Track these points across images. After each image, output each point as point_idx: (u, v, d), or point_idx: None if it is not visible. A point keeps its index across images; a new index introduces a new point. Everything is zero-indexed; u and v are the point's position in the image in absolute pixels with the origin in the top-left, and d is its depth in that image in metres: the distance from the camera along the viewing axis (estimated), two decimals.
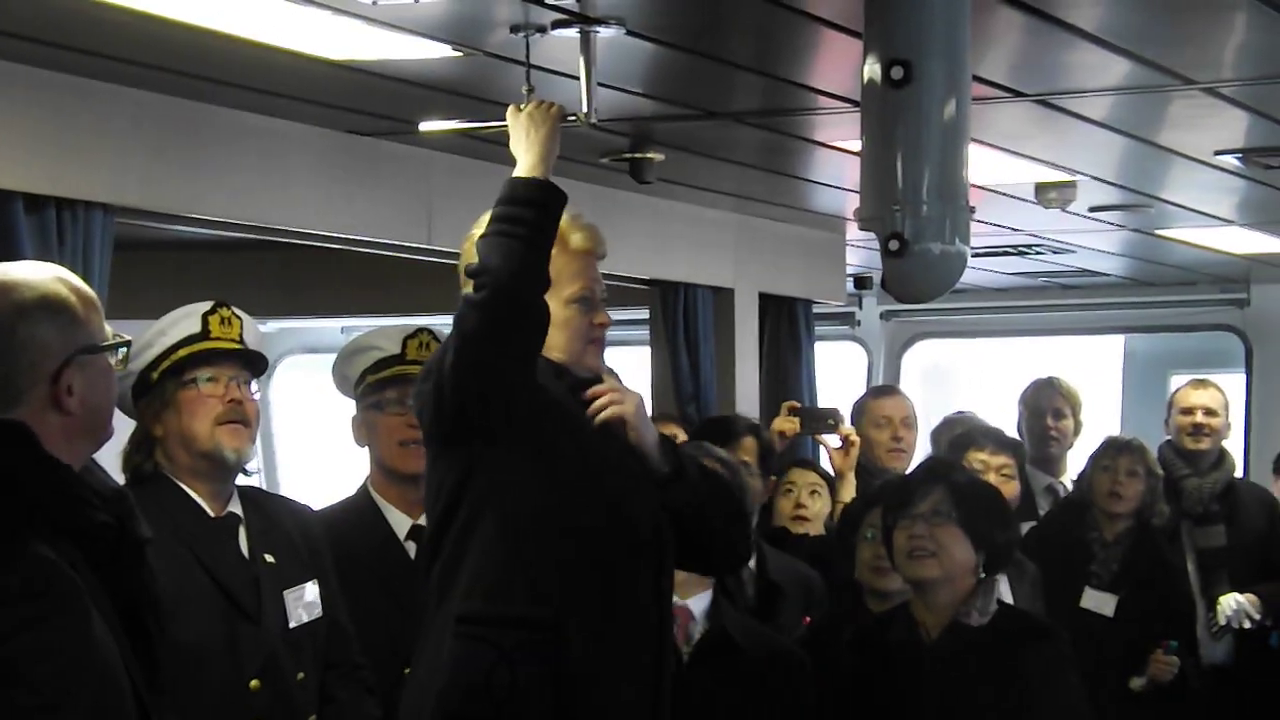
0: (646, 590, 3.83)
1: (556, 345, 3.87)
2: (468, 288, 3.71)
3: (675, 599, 4.19)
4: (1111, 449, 6.74)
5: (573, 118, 4.16)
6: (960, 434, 6.59)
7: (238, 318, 4.31)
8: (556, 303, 3.86)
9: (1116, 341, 11.22)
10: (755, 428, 6.09)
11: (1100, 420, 10.00)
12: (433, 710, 3.77)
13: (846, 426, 6.67)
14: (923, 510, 4.70)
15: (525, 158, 3.81)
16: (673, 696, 3.93)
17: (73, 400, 2.80)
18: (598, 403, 3.86)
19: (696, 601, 4.56)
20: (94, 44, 4.50)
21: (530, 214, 3.68)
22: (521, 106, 3.90)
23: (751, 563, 5.30)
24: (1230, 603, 7.08)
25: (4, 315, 2.77)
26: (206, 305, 4.28)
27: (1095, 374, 11.00)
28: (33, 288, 2.81)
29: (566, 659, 3.71)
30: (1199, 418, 7.25)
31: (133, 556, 2.84)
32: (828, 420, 6.68)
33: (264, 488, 9.96)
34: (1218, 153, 6.24)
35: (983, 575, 4.71)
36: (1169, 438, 7.32)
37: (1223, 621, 7.07)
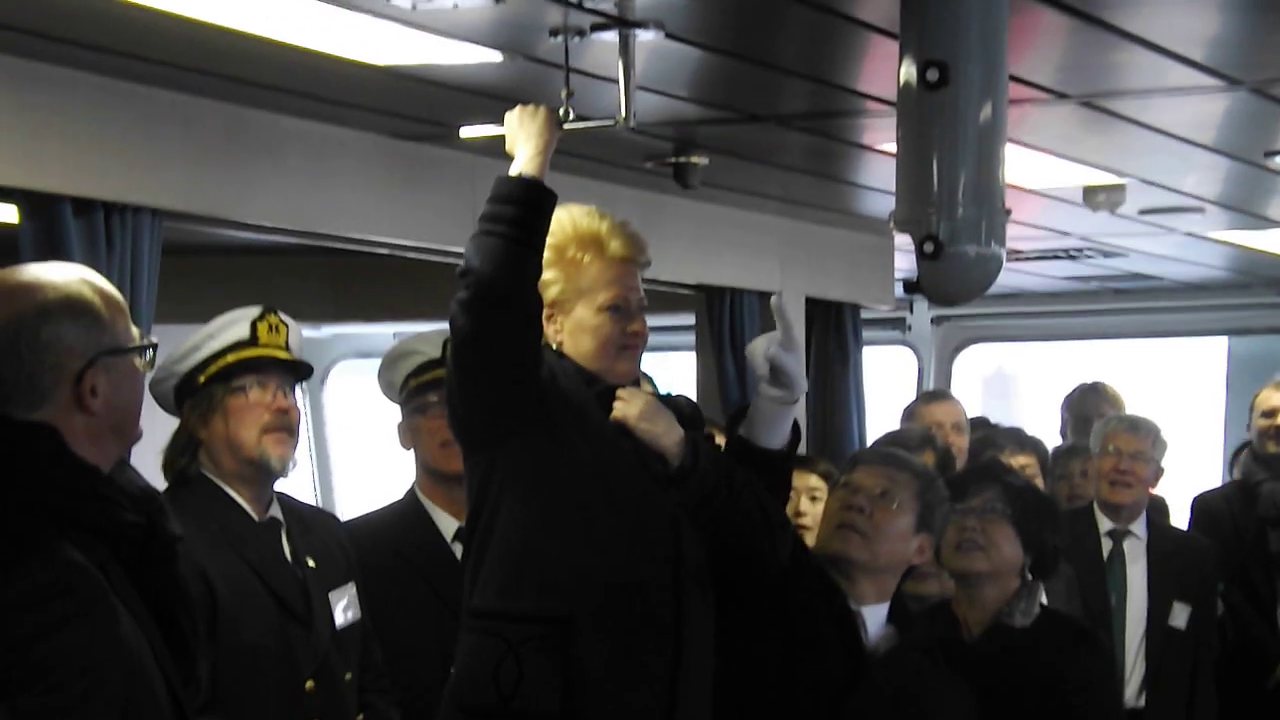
0: (661, 596, 3.80)
1: (586, 352, 3.88)
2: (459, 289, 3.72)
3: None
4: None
5: (610, 121, 4.17)
6: (979, 435, 6.57)
7: (284, 324, 4.34)
8: (588, 310, 3.87)
9: (1220, 344, 11.00)
10: (929, 439, 6.04)
11: (1204, 425, 9.95)
12: (446, 702, 3.81)
13: None
14: (974, 505, 4.66)
15: (519, 155, 3.80)
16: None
17: (97, 401, 2.80)
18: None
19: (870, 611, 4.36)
20: (142, 49, 4.54)
21: (510, 211, 3.67)
22: (534, 109, 3.89)
23: None
24: None
25: (28, 315, 2.77)
26: (255, 311, 4.31)
27: (1195, 377, 10.88)
28: (56, 288, 2.81)
29: (575, 656, 3.71)
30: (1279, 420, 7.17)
31: (162, 555, 2.85)
32: None
33: (319, 493, 10.10)
34: (1268, 154, 6.21)
35: (1029, 577, 4.67)
36: (1250, 440, 7.24)
37: None
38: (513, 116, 3.87)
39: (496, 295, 3.64)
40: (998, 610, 4.64)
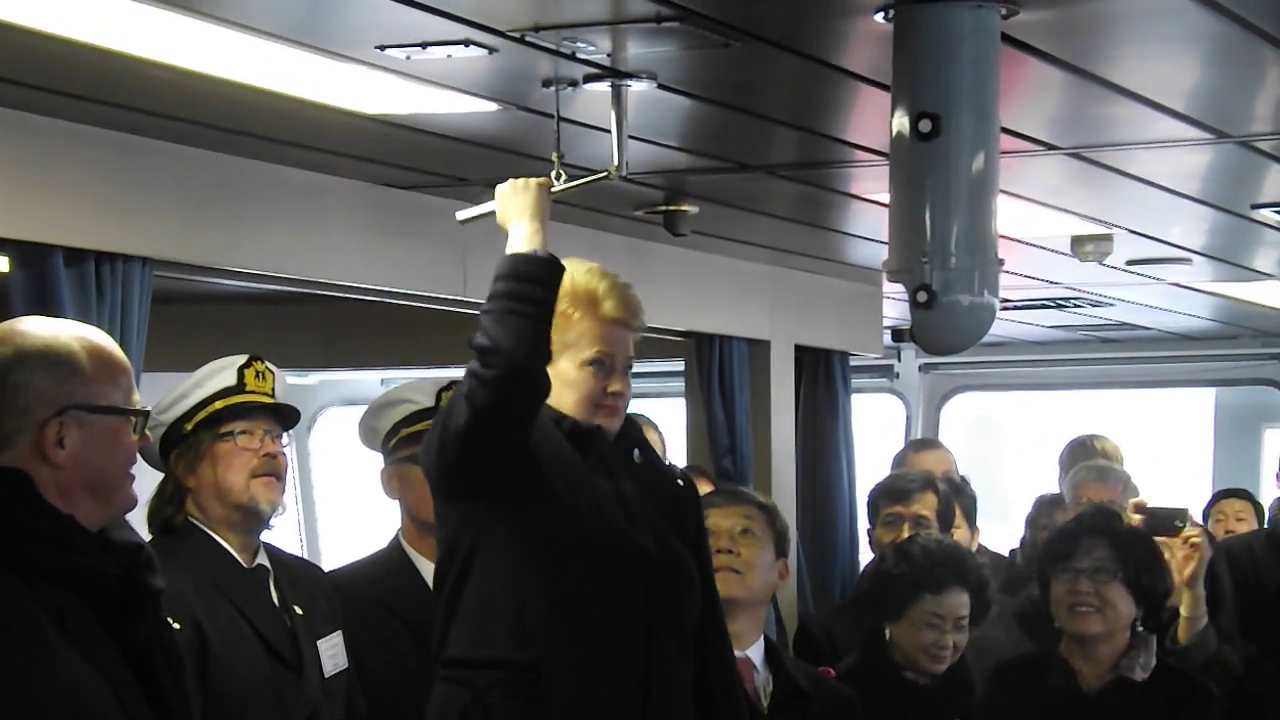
0: (632, 642, 3.80)
1: (565, 403, 3.89)
2: (473, 361, 3.70)
3: (736, 650, 4.19)
4: None
5: (603, 174, 4.18)
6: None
7: (271, 372, 4.39)
8: (571, 363, 3.88)
9: (1208, 395, 11.02)
10: (930, 482, 6.05)
11: (1192, 475, 9.94)
12: None
13: (1192, 528, 5.41)
14: (1085, 566, 4.74)
15: (519, 230, 3.81)
16: None
17: (63, 454, 2.79)
18: None
19: (754, 650, 4.54)
20: (133, 100, 4.54)
21: (537, 291, 3.68)
22: (525, 182, 3.89)
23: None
24: None
25: (3, 361, 2.79)
26: (241, 359, 4.35)
27: (1183, 427, 10.89)
28: (39, 338, 2.83)
29: (541, 702, 3.71)
30: None
31: (141, 608, 2.84)
32: (1174, 522, 5.38)
33: (304, 539, 10.08)
34: (1255, 206, 6.23)
35: (1140, 629, 4.77)
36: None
37: None
38: (504, 190, 3.89)
39: (528, 377, 3.66)
40: (1114, 663, 4.76)
